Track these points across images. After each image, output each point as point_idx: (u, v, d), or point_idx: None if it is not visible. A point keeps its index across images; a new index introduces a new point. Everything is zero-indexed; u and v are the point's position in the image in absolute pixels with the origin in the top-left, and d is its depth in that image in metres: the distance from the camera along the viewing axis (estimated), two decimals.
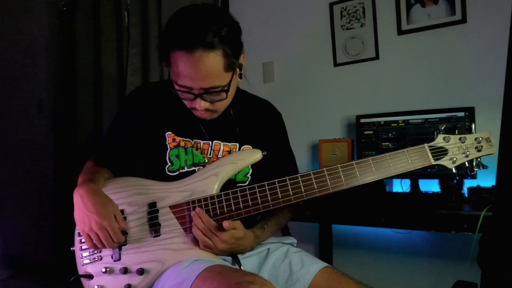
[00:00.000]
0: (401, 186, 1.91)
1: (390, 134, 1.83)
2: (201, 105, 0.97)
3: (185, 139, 1.06)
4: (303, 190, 0.95)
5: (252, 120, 1.15)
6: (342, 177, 0.96)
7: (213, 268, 0.86)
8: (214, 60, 0.90)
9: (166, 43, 0.93)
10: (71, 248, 1.05)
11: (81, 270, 1.02)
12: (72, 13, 2.81)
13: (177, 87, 0.96)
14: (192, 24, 0.90)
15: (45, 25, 3.05)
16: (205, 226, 0.93)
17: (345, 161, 0.98)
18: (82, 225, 0.94)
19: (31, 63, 3.11)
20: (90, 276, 0.99)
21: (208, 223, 0.94)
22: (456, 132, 1.00)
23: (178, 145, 1.05)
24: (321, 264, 1.03)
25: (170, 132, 1.06)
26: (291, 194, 0.96)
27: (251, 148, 1.11)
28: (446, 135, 0.99)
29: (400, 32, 2.00)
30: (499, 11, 1.76)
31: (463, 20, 1.84)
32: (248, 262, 1.05)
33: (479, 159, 0.99)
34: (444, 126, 1.01)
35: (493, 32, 1.78)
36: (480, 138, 0.98)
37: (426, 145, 0.99)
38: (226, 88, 0.96)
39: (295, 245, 1.15)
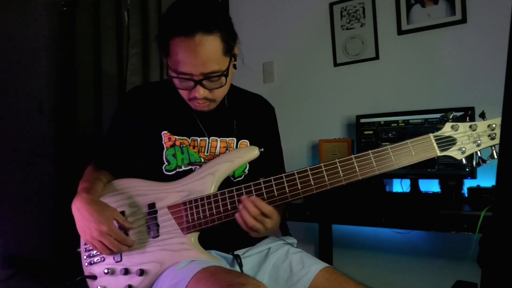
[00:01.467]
0: (401, 186, 1.91)
1: (390, 134, 1.83)
2: (200, 93, 0.97)
3: (181, 138, 1.06)
4: (299, 187, 0.93)
5: (248, 114, 1.16)
6: (341, 172, 0.92)
7: (208, 269, 0.86)
8: (213, 43, 0.92)
9: (165, 32, 0.95)
10: (78, 249, 1.06)
11: (86, 271, 1.03)
12: (72, 13, 2.82)
13: (175, 75, 0.96)
14: (190, 12, 0.93)
15: (45, 25, 3.05)
16: (260, 213, 0.92)
17: None
18: (84, 235, 0.95)
19: (31, 63, 3.11)
20: (94, 277, 1.00)
21: (264, 208, 0.92)
22: (467, 119, 0.91)
23: (173, 145, 1.06)
24: (321, 265, 1.03)
25: (166, 131, 1.06)
26: (287, 191, 0.94)
27: (248, 143, 1.11)
28: (454, 123, 0.90)
29: (400, 32, 2.00)
30: (499, 11, 1.76)
31: (463, 20, 1.84)
32: (248, 261, 1.05)
33: (493, 148, 0.89)
34: (453, 113, 0.91)
35: (493, 32, 1.78)
36: (494, 125, 0.88)
37: (431, 135, 0.91)
38: (225, 72, 0.97)
39: (295, 245, 1.15)
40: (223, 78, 0.98)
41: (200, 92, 0.97)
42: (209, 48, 0.92)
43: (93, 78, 2.73)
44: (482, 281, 0.54)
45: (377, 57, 2.06)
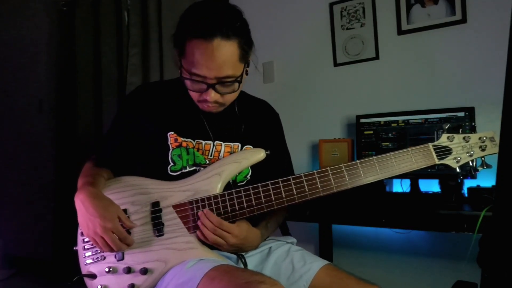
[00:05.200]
0: (401, 186, 1.91)
1: (390, 134, 1.83)
2: (211, 96, 0.97)
3: (187, 140, 1.06)
4: (307, 190, 0.96)
5: (253, 120, 1.15)
6: (346, 176, 0.96)
7: (221, 267, 0.86)
8: (230, 48, 0.93)
9: (183, 32, 0.95)
10: (74, 248, 1.05)
11: (84, 270, 1.02)
12: (72, 13, 2.82)
13: (189, 77, 0.96)
14: (210, 15, 0.93)
15: (45, 25, 3.05)
16: (214, 226, 0.94)
17: (345, 161, 0.97)
18: (87, 230, 0.94)
19: (31, 63, 3.12)
20: (93, 276, 0.99)
21: (218, 222, 0.94)
22: (460, 131, 0.99)
23: (180, 145, 1.05)
24: (322, 262, 1.04)
25: (172, 132, 1.06)
26: (295, 193, 0.96)
27: (253, 148, 1.11)
28: (450, 135, 0.99)
29: (400, 32, 2.00)
30: (499, 11, 1.76)
31: (463, 20, 1.84)
32: (250, 260, 1.05)
33: (483, 158, 0.98)
34: (448, 125, 1.00)
35: (493, 32, 1.78)
36: (484, 138, 0.98)
37: (430, 144, 0.98)
38: (239, 78, 0.98)
39: (295, 245, 1.16)
40: (236, 84, 0.98)
41: (212, 95, 0.97)
42: (225, 53, 0.92)
43: (93, 78, 2.73)
44: (482, 281, 0.54)
45: (377, 57, 2.06)
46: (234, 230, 0.95)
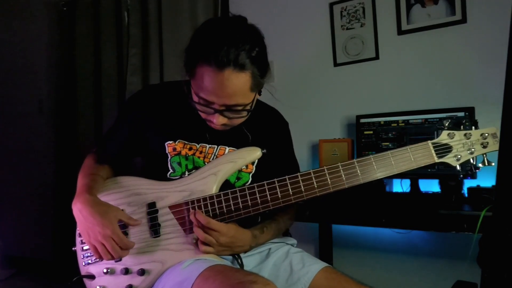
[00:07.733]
0: (401, 186, 1.91)
1: (390, 134, 1.83)
2: (218, 121, 0.96)
3: (191, 143, 1.05)
4: (303, 190, 0.94)
5: (260, 127, 1.14)
6: (343, 175, 0.94)
7: (215, 267, 0.86)
8: (242, 80, 0.89)
9: (194, 55, 0.91)
10: (73, 248, 1.05)
11: (83, 271, 1.02)
12: (72, 13, 2.82)
13: (196, 99, 0.94)
14: (225, 41, 0.87)
15: (45, 25, 3.05)
16: (203, 225, 0.93)
17: (344, 161, 0.97)
18: (88, 237, 0.93)
19: (31, 63, 3.12)
20: (92, 277, 0.99)
21: (206, 221, 0.93)
22: (461, 128, 0.96)
23: (178, 154, 1.05)
24: (321, 264, 1.03)
25: (170, 142, 1.05)
26: (291, 194, 0.95)
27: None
28: (451, 131, 0.96)
29: (400, 32, 1.99)
30: (499, 11, 1.76)
31: (463, 20, 1.84)
32: (249, 261, 1.05)
33: (484, 155, 0.95)
34: (449, 121, 0.97)
35: (493, 32, 1.78)
36: (486, 134, 0.94)
37: (429, 142, 0.95)
38: (248, 107, 0.96)
39: (295, 246, 1.15)
40: (245, 112, 0.97)
41: (219, 120, 0.95)
42: (236, 84, 0.89)
43: (93, 78, 2.74)
44: (482, 281, 0.54)
45: (377, 57, 2.06)
46: (222, 228, 0.94)
